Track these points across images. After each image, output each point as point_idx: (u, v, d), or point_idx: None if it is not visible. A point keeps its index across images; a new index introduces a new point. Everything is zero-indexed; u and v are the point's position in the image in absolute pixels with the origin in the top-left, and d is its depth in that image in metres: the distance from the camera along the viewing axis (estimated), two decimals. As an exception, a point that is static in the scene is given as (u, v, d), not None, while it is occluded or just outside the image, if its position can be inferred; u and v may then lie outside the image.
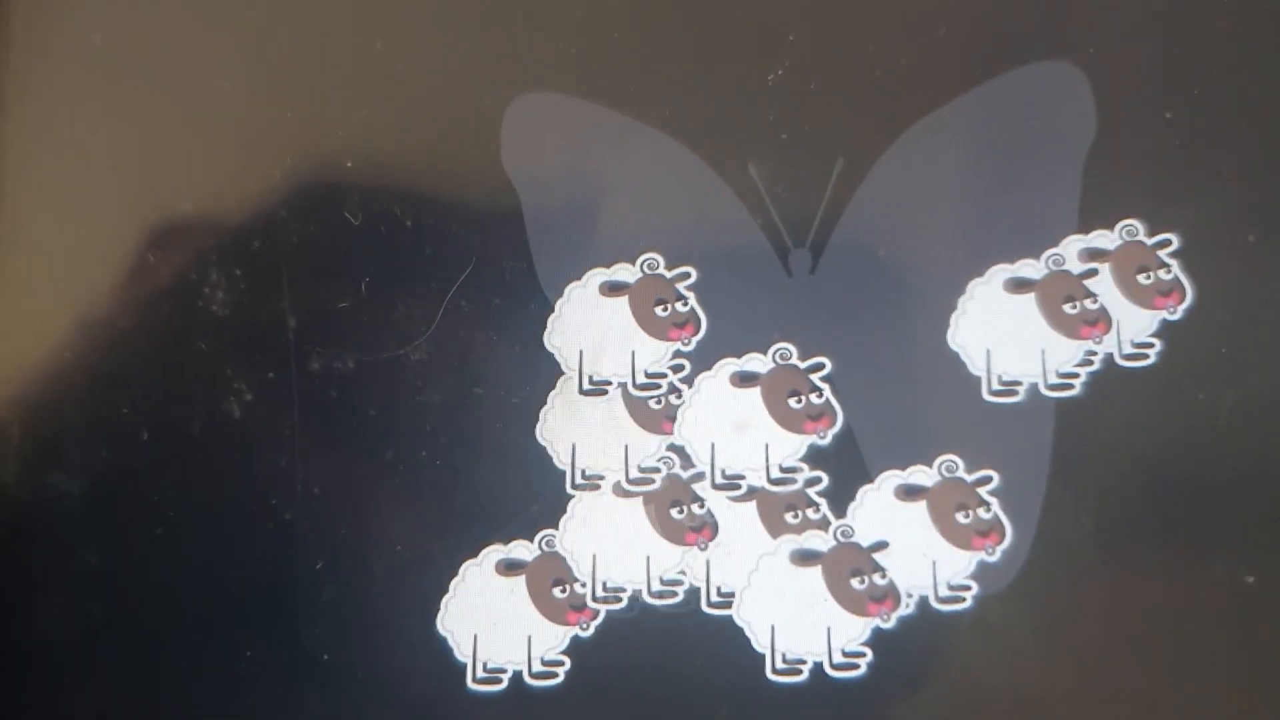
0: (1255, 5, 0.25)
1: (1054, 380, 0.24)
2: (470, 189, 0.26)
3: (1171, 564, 0.24)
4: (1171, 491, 0.24)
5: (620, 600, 0.24)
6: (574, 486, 0.24)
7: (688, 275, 0.25)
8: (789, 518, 0.24)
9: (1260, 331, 0.24)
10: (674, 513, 0.24)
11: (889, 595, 0.24)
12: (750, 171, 0.26)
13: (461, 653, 0.24)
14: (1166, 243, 0.24)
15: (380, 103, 0.26)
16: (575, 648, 0.24)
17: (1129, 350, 0.24)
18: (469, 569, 0.24)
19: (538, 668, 0.24)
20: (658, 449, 0.25)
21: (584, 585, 0.24)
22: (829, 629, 0.24)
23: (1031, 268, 0.25)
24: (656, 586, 0.24)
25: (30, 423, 0.25)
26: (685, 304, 0.25)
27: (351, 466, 0.25)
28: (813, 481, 0.24)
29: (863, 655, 0.24)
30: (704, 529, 0.24)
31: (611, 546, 0.24)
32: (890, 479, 0.24)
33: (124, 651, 0.25)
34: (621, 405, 0.25)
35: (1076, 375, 0.24)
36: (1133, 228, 0.24)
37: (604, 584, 0.24)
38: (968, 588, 0.24)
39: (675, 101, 0.26)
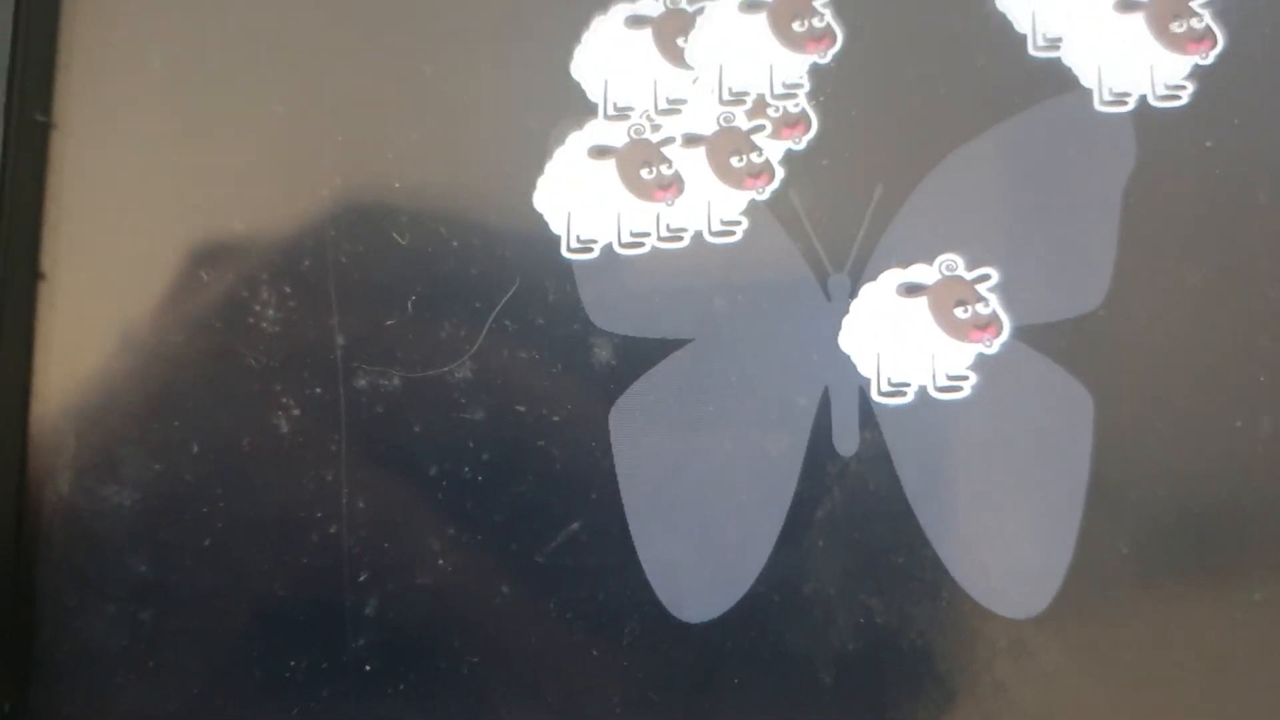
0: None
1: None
2: (515, 212, 0.26)
3: (1209, 589, 0.24)
4: (1210, 517, 0.24)
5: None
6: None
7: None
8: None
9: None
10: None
11: (992, 323, 0.24)
12: (791, 197, 0.26)
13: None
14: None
15: (428, 126, 0.27)
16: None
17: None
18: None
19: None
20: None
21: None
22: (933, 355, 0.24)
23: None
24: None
25: (85, 435, 0.26)
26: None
27: (396, 481, 0.26)
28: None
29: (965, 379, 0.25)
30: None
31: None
32: (892, 276, 0.25)
33: (172, 657, 0.25)
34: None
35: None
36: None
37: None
38: (965, 378, 0.24)
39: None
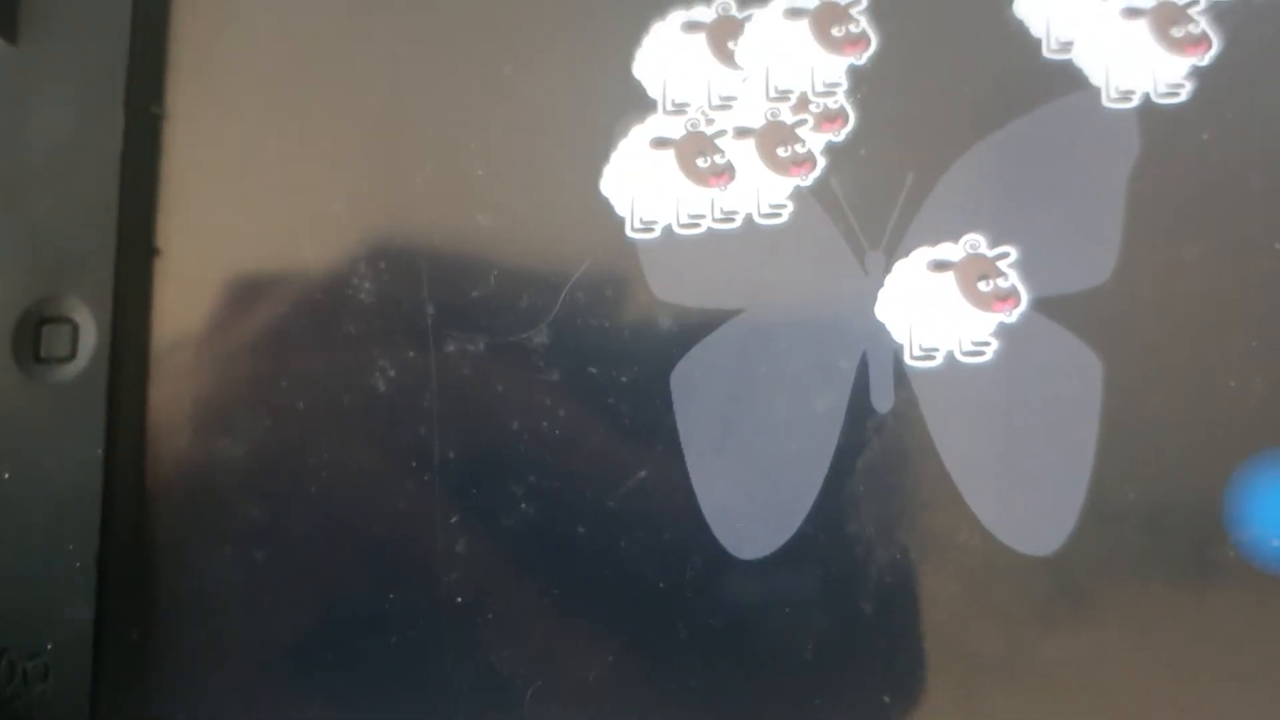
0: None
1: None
2: (586, 196, 0.29)
3: (1205, 528, 0.27)
4: (1207, 465, 0.27)
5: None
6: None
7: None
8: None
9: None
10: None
11: (1011, 295, 0.27)
12: (832, 183, 0.29)
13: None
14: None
15: (507, 120, 0.29)
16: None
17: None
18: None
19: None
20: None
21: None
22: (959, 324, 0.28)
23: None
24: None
25: (201, 395, 0.29)
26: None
27: (482, 435, 0.28)
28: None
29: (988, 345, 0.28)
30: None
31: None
32: (922, 253, 0.28)
33: (283, 593, 0.28)
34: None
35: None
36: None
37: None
38: (988, 344, 0.27)
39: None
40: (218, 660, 0.28)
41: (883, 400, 0.28)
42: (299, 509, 0.28)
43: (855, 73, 0.29)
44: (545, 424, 0.28)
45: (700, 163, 0.29)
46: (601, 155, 0.29)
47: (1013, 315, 0.28)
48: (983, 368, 0.28)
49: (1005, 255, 0.28)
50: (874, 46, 0.29)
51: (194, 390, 0.29)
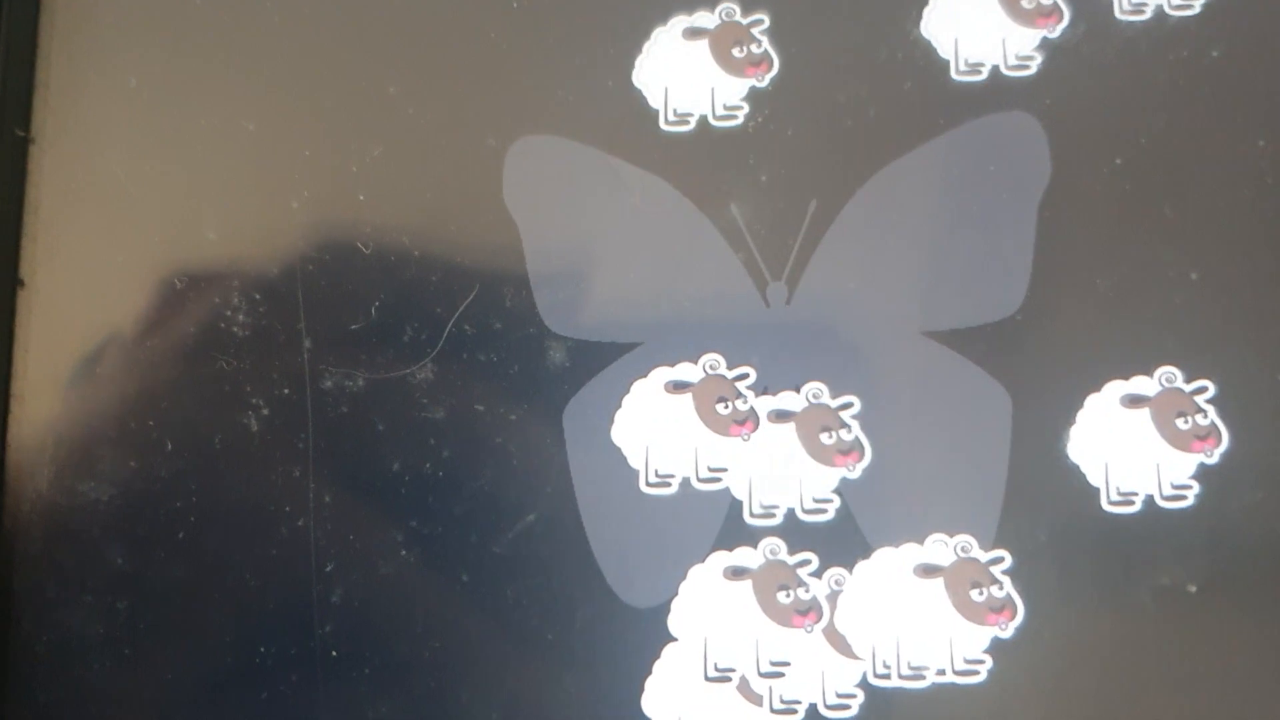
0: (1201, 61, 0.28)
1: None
2: (474, 223, 0.28)
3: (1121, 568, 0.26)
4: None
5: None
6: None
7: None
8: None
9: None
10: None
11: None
12: (732, 211, 0.28)
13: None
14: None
15: (391, 142, 0.28)
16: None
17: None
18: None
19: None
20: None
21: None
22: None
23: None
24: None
25: (64, 434, 0.27)
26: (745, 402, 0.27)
27: (360, 477, 0.27)
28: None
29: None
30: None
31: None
32: (1114, 387, 0.26)
33: (146, 644, 0.27)
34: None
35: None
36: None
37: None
38: (1189, 487, 0.26)
39: (664, 146, 0.28)
40: (77, 717, 0.27)
41: (784, 438, 0.27)
42: (165, 556, 0.27)
43: (756, 95, 0.28)
44: (428, 465, 0.27)
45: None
46: (491, 179, 0.28)
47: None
48: (892, 404, 0.27)
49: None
50: (776, 68, 0.28)
51: (56, 429, 0.28)
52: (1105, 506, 0.26)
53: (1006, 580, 0.26)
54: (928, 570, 0.26)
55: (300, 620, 0.27)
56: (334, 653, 0.27)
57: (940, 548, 0.26)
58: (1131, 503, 0.26)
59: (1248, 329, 0.26)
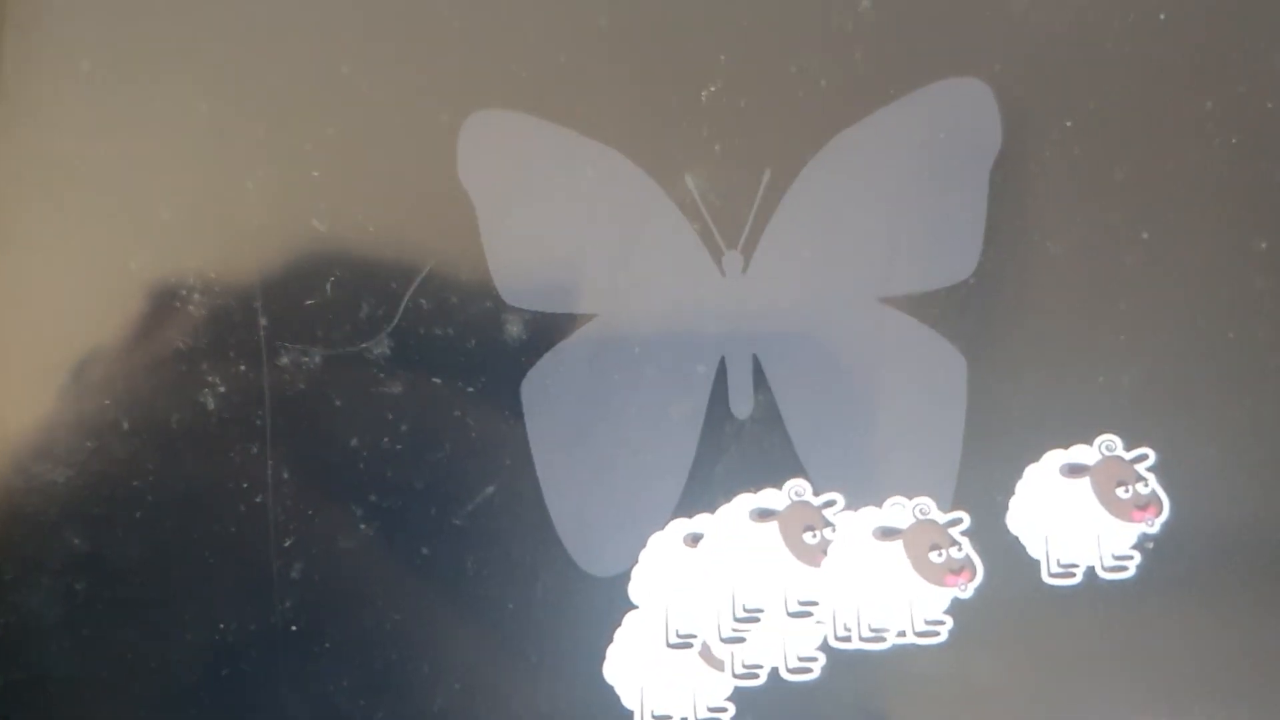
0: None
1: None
2: (429, 198, 0.28)
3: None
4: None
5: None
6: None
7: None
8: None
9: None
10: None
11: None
12: (686, 182, 0.28)
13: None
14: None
15: (345, 121, 0.28)
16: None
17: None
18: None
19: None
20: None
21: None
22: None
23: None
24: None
25: (17, 415, 0.27)
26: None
27: (318, 453, 0.27)
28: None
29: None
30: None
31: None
32: (1055, 456, 0.26)
33: (106, 625, 0.26)
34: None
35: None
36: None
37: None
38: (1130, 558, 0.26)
39: (617, 118, 0.28)
40: (33, 701, 0.26)
41: (742, 405, 0.27)
42: (123, 535, 0.27)
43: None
44: (386, 439, 0.27)
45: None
46: (444, 154, 0.28)
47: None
48: (849, 366, 0.27)
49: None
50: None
51: (9, 410, 0.27)
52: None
53: (965, 541, 0.26)
54: (886, 533, 0.26)
55: (260, 596, 0.26)
56: (294, 627, 0.26)
57: (899, 510, 0.26)
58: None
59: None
